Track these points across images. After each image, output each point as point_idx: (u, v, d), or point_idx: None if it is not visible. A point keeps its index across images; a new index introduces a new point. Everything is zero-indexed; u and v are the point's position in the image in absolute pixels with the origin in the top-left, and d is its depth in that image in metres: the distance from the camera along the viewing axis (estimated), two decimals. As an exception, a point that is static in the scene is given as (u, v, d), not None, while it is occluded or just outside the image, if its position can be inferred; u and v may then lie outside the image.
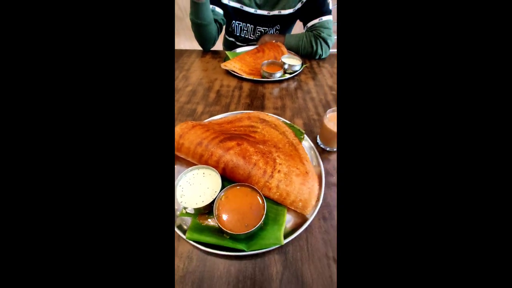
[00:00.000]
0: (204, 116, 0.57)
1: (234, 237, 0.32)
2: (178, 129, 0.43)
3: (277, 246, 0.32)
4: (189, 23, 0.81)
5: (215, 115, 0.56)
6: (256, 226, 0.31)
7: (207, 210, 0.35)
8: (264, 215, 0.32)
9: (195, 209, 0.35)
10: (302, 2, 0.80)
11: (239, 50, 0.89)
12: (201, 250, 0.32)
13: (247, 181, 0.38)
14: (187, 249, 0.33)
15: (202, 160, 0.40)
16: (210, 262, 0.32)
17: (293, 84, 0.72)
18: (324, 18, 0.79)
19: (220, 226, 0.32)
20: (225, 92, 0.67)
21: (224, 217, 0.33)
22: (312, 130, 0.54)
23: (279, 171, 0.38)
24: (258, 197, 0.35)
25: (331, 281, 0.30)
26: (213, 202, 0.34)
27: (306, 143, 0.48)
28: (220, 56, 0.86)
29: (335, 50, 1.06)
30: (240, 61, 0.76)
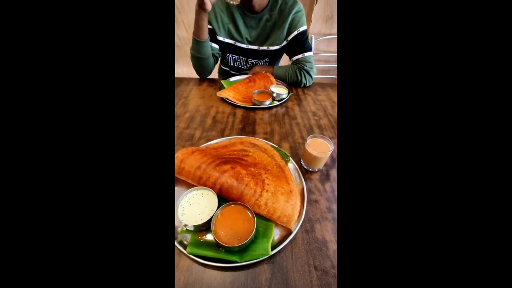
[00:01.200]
0: (202, 141, 0.64)
1: (228, 250, 0.37)
2: (179, 154, 0.49)
3: (265, 256, 0.37)
4: (187, 50, 0.91)
5: (212, 139, 0.63)
6: (248, 239, 0.37)
7: (205, 226, 0.41)
8: (254, 230, 0.38)
9: (195, 226, 0.40)
10: (287, 40, 0.94)
11: (233, 78, 0.99)
12: (199, 263, 0.37)
13: (240, 200, 0.44)
14: (187, 263, 0.38)
15: (201, 182, 0.46)
16: (207, 274, 0.36)
17: (281, 111, 0.81)
18: (306, 54, 0.93)
19: (217, 240, 0.37)
20: (220, 118, 0.75)
21: (220, 232, 0.38)
22: (297, 152, 0.61)
23: (267, 191, 0.44)
24: (249, 214, 0.41)
25: (311, 285, 0.35)
26: (210, 219, 0.39)
27: (291, 164, 0.56)
28: (216, 84, 0.96)
29: (319, 78, 1.17)
30: (234, 90, 0.85)
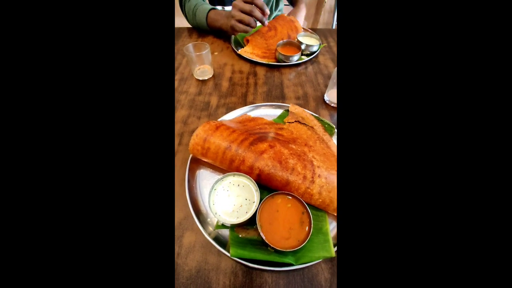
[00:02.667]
0: (220, 110, 0.52)
1: (280, 251, 0.30)
2: (201, 131, 0.38)
3: (327, 258, 0.30)
4: None
5: (233, 108, 0.51)
6: (306, 241, 0.29)
7: (246, 223, 0.33)
8: (311, 227, 0.30)
9: (233, 224, 0.32)
10: None
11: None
12: (245, 265, 0.31)
13: (285, 188, 0.35)
14: (230, 264, 0.31)
15: (233, 166, 0.36)
16: (257, 276, 0.31)
17: (311, 67, 0.65)
18: None
19: (266, 241, 0.30)
20: (238, 79, 0.60)
21: (267, 229, 0.31)
22: (341, 122, 0.50)
23: (319, 176, 0.35)
24: (301, 206, 0.32)
25: None
26: (253, 215, 0.32)
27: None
28: (225, 35, 0.76)
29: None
30: (251, 44, 0.67)
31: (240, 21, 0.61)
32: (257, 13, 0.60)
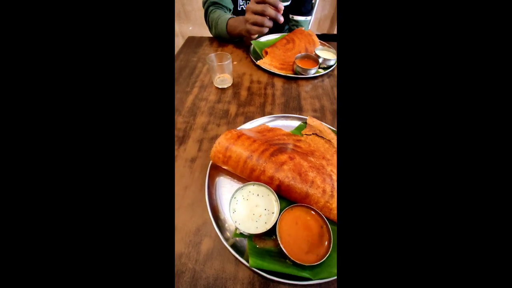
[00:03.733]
0: (239, 118, 0.53)
1: (298, 265, 0.30)
2: (223, 140, 0.39)
3: (345, 274, 0.30)
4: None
5: (251, 117, 0.52)
6: (327, 256, 0.29)
7: (264, 234, 0.33)
8: (331, 241, 0.30)
9: (251, 234, 0.33)
10: None
11: (264, 38, 0.81)
12: (262, 276, 0.31)
13: (304, 201, 0.35)
14: (247, 274, 0.32)
15: (253, 176, 0.37)
16: (274, 289, 0.31)
17: (327, 80, 0.66)
18: (308, 18, 0.85)
19: (286, 253, 0.30)
20: (256, 89, 0.62)
21: (286, 241, 0.31)
22: (358, 137, 0.50)
23: (339, 191, 0.35)
24: (320, 220, 0.33)
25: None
26: (273, 226, 0.32)
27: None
28: (244, 46, 0.79)
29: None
30: (270, 55, 0.69)
31: (255, 23, 0.62)
32: (270, 11, 0.59)
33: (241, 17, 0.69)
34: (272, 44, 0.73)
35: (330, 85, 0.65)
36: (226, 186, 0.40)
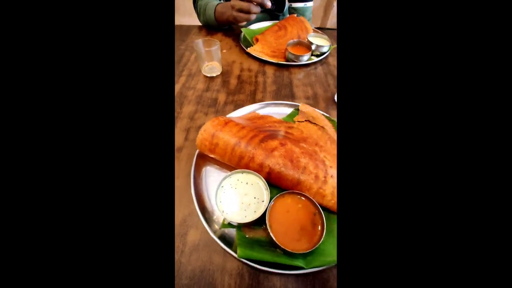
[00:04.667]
0: (228, 107, 0.51)
1: (290, 253, 0.29)
2: (209, 126, 0.37)
3: (338, 262, 0.29)
4: None
5: (241, 105, 0.50)
6: (319, 243, 0.28)
7: (254, 223, 0.32)
8: (324, 229, 0.29)
9: (240, 224, 0.31)
10: None
11: (255, 26, 0.78)
12: (252, 267, 0.29)
13: (296, 188, 0.34)
14: (236, 265, 0.30)
15: (242, 163, 0.35)
16: (264, 279, 0.29)
17: (320, 68, 0.64)
18: (308, 4, 0.81)
19: (276, 242, 0.28)
20: (247, 77, 0.59)
21: (277, 230, 0.29)
22: (351, 123, 0.49)
23: (332, 176, 0.34)
24: (313, 207, 0.31)
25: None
26: (262, 215, 0.30)
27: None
28: (233, 33, 0.76)
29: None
30: (261, 42, 0.67)
31: (241, 10, 0.59)
32: None
33: (228, 3, 0.66)
34: (264, 31, 0.70)
35: (323, 72, 0.63)
36: (213, 176, 0.38)
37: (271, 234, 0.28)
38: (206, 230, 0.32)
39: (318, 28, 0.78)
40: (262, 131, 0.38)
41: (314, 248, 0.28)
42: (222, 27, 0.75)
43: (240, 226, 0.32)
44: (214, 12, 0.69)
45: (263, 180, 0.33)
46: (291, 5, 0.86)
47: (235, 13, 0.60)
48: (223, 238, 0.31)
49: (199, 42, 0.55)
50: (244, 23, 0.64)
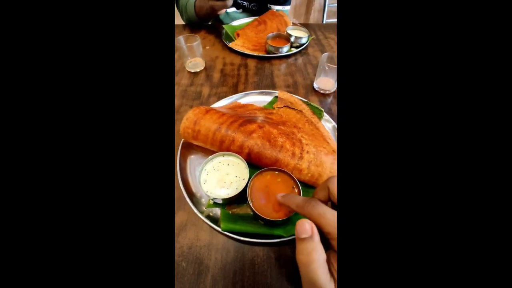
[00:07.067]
0: (212, 99, 0.53)
1: (270, 223, 0.31)
2: (191, 115, 0.39)
3: (316, 228, 0.31)
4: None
5: (224, 96, 0.52)
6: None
7: (236, 199, 0.34)
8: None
9: (224, 200, 0.33)
10: None
11: (236, 22, 0.80)
12: (236, 240, 0.31)
13: (275, 165, 0.36)
14: (222, 240, 0.32)
15: (223, 147, 0.37)
16: (248, 250, 0.31)
17: (301, 59, 0.67)
18: (286, 7, 0.85)
19: (257, 213, 0.30)
20: (229, 71, 0.61)
21: (258, 204, 0.31)
22: (330, 107, 0.51)
23: (307, 152, 0.36)
24: (291, 181, 0.33)
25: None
26: (243, 190, 0.32)
27: (327, 123, 0.46)
28: (216, 31, 0.78)
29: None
30: (242, 37, 0.69)
31: None
32: None
33: None
34: (244, 26, 0.73)
35: (303, 62, 0.65)
36: (199, 163, 0.40)
37: (251, 206, 0.30)
38: (193, 212, 0.33)
39: (302, 24, 0.81)
40: (241, 117, 0.41)
41: (291, 215, 0.30)
42: (204, 22, 0.77)
43: (225, 205, 0.34)
44: (194, 8, 0.71)
45: (244, 160, 0.35)
46: (270, 7, 0.89)
47: (211, 2, 0.63)
48: (209, 217, 0.33)
49: (180, 38, 0.57)
50: (223, 11, 0.67)
